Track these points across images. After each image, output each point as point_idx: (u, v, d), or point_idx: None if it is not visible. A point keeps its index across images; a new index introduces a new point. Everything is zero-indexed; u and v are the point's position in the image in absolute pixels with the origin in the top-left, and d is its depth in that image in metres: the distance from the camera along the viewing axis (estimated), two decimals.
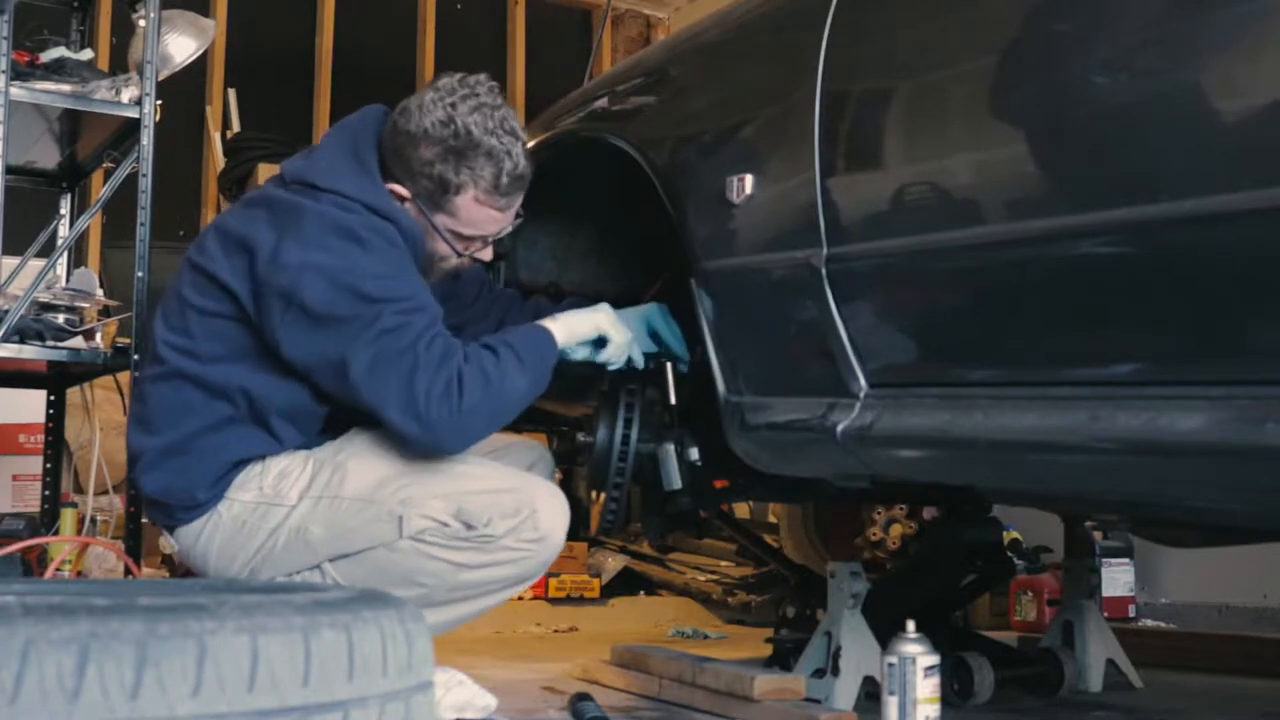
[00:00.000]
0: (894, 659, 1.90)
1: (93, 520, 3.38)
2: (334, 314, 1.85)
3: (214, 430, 1.95)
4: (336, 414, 2.01)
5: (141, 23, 2.85)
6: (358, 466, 1.94)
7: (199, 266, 1.97)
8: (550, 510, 1.93)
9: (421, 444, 1.90)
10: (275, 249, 1.87)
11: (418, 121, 1.95)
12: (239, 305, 1.93)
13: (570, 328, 2.07)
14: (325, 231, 1.88)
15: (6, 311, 2.63)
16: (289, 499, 1.95)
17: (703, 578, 4.29)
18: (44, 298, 2.77)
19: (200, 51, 3.20)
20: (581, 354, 2.10)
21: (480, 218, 2.01)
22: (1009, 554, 2.91)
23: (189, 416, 1.95)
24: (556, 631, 3.88)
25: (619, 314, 2.14)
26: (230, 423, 1.95)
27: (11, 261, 3.03)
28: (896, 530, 3.71)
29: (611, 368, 2.16)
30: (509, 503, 1.90)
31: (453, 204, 1.99)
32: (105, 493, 3.56)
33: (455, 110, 1.95)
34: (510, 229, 2.10)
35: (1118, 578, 3.54)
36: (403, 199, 1.99)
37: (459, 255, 2.06)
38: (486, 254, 2.11)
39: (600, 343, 2.11)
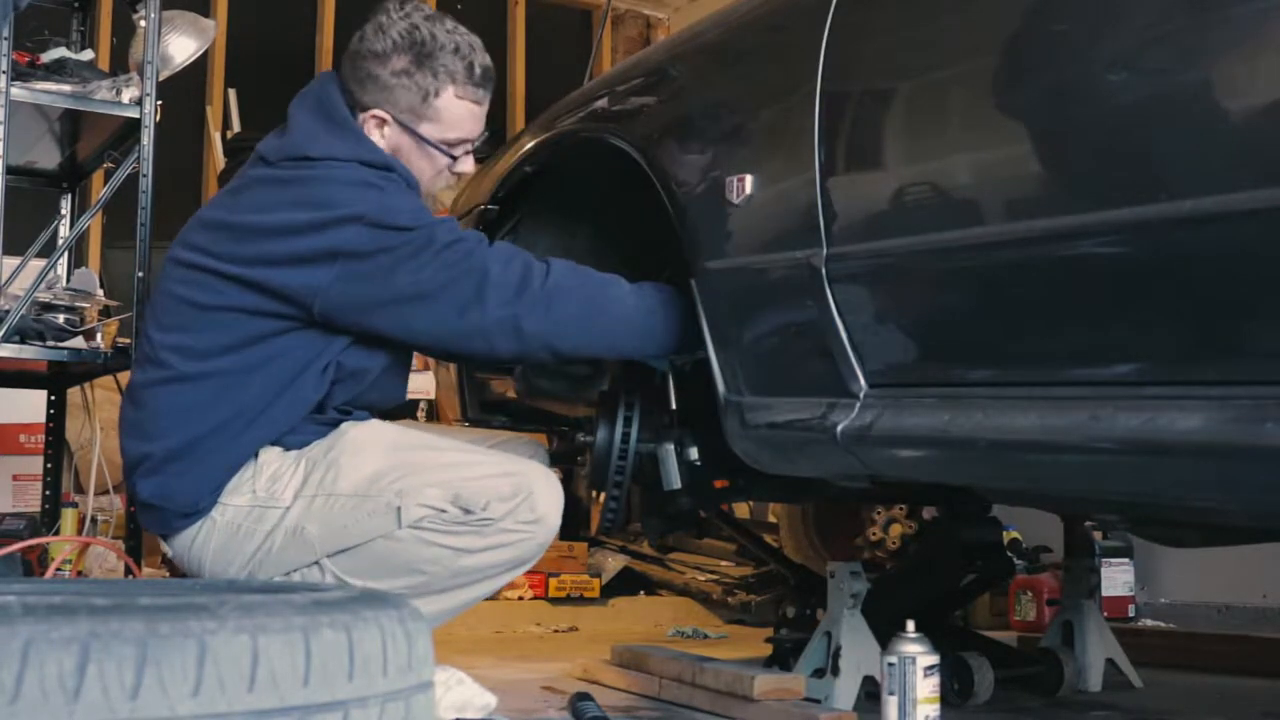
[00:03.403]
0: (894, 659, 1.90)
1: (93, 520, 3.37)
2: (384, 248, 1.90)
3: (218, 433, 1.94)
4: (332, 397, 2.01)
5: (142, 23, 2.85)
6: (350, 463, 1.94)
7: (190, 263, 1.97)
8: (546, 492, 1.93)
9: (497, 321, 1.92)
10: (297, 219, 1.90)
11: (382, 40, 2.03)
12: (248, 291, 1.92)
13: None
14: (341, 188, 1.93)
15: (7, 311, 2.63)
16: (283, 500, 1.94)
17: (703, 578, 4.29)
18: (44, 298, 2.77)
19: (200, 52, 3.20)
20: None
21: (462, 113, 2.06)
22: (1009, 554, 2.91)
23: (193, 419, 1.95)
24: (556, 631, 3.88)
25: None
26: (235, 421, 1.95)
27: (12, 262, 3.03)
28: (896, 530, 3.72)
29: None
30: (505, 486, 1.90)
31: (434, 107, 2.04)
32: (106, 492, 3.56)
33: (413, 19, 2.03)
34: (481, 142, 2.14)
35: (1117, 578, 3.53)
36: (383, 121, 2.04)
37: (451, 159, 2.09)
38: (468, 164, 2.14)
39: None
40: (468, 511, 1.88)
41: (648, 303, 2.05)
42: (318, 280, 1.90)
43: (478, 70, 2.06)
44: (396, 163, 2.03)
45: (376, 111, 2.04)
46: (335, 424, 2.02)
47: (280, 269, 1.90)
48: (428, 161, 2.08)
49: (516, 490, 1.90)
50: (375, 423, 2.06)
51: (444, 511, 1.88)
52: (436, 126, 2.05)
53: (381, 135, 2.05)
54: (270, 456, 1.98)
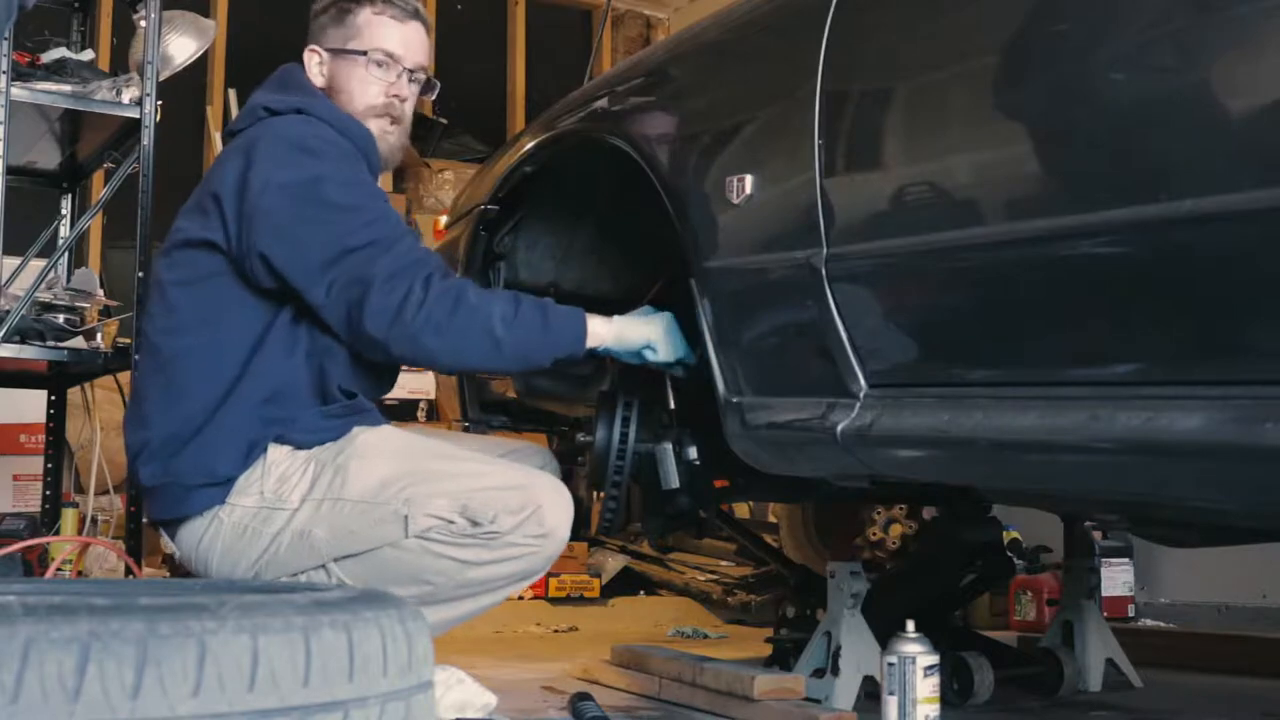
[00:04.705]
0: (894, 659, 1.90)
1: (93, 520, 3.38)
2: (301, 227, 1.94)
3: (207, 408, 1.95)
4: (326, 377, 2.02)
5: (142, 23, 2.86)
6: (359, 468, 1.94)
7: (171, 246, 2.05)
8: (555, 505, 1.92)
9: (369, 340, 1.95)
10: (241, 180, 1.97)
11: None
12: (214, 252, 1.98)
13: (621, 333, 2.10)
14: (281, 149, 1.99)
15: (8, 312, 2.63)
16: (290, 502, 1.94)
17: (703, 578, 4.30)
18: (45, 298, 2.78)
19: (201, 52, 3.21)
20: (629, 359, 2.15)
21: (383, 29, 2.15)
22: (1009, 554, 2.91)
23: (184, 400, 1.96)
24: (556, 631, 3.88)
25: (636, 318, 2.15)
26: (218, 392, 1.96)
27: (12, 262, 3.04)
28: (896, 530, 3.72)
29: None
30: (514, 499, 1.89)
31: (354, 26, 2.15)
32: (106, 492, 3.57)
33: None
34: (421, 78, 2.20)
35: (1117, 578, 3.54)
36: (319, 58, 2.15)
37: (378, 67, 2.14)
38: (404, 86, 2.17)
39: (650, 350, 2.13)
40: (475, 523, 1.87)
41: (520, 331, 2.00)
42: (248, 242, 1.95)
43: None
44: (348, 121, 2.09)
45: (311, 47, 2.17)
46: (343, 416, 2.02)
47: (228, 229, 1.96)
48: (359, 80, 2.14)
49: (525, 503, 1.89)
50: (386, 428, 2.07)
51: (452, 523, 1.88)
52: (359, 40, 2.15)
53: (321, 73, 2.15)
54: (279, 456, 1.97)
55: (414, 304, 1.92)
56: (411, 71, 2.18)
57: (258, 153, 1.98)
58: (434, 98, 2.27)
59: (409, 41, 2.18)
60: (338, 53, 2.15)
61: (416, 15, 2.20)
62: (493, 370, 2.13)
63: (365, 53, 2.13)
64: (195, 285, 2.00)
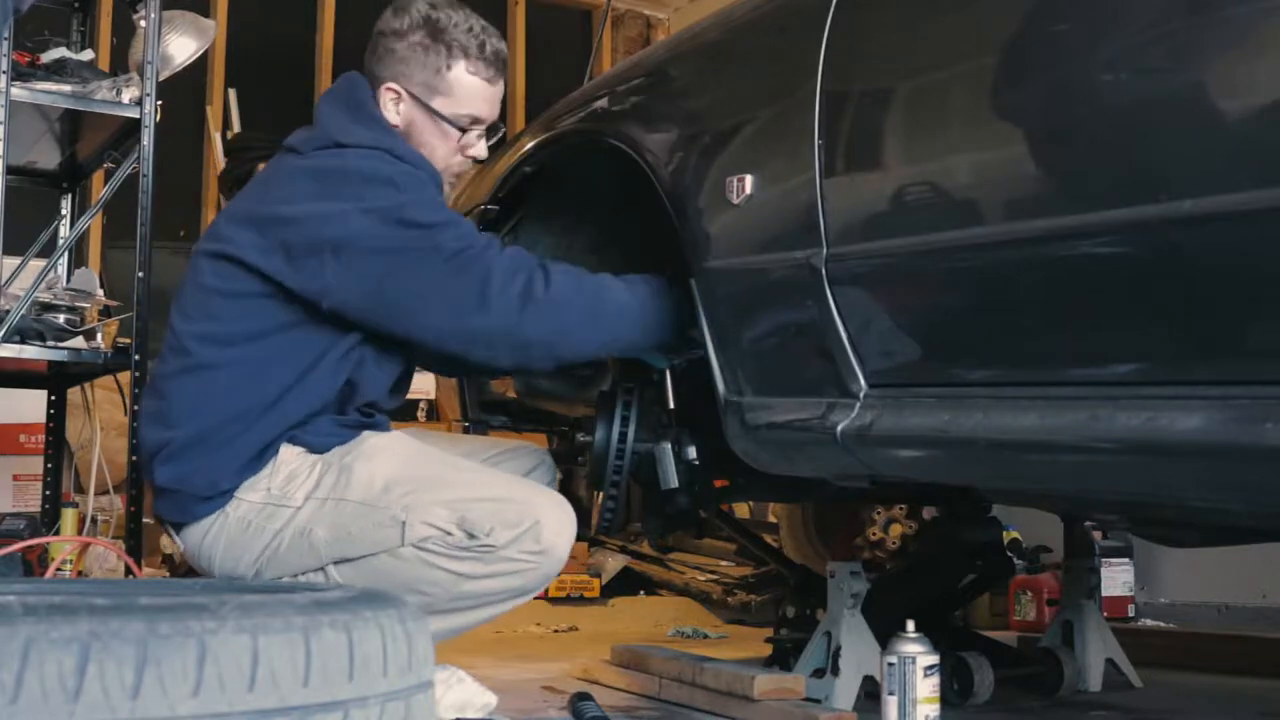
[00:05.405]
0: (894, 659, 1.90)
1: (93, 520, 3.37)
2: (393, 248, 1.91)
3: (236, 420, 1.95)
4: (354, 395, 2.03)
5: (142, 23, 2.86)
6: (364, 470, 1.94)
7: (216, 254, 1.99)
8: (554, 523, 1.91)
9: (502, 331, 1.94)
10: (316, 209, 1.93)
11: (400, 19, 2.10)
12: (269, 282, 1.94)
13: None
14: (361, 182, 1.96)
15: (7, 312, 2.64)
16: (295, 500, 1.94)
17: (703, 578, 4.29)
18: (45, 298, 2.78)
19: (200, 52, 3.21)
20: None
21: (474, 89, 2.11)
22: (1009, 554, 2.91)
23: (213, 406, 1.95)
24: (556, 631, 3.88)
25: None
26: (254, 408, 1.95)
27: (12, 262, 3.04)
28: (896, 530, 3.72)
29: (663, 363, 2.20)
30: (512, 513, 1.89)
31: (446, 80, 2.09)
32: (106, 492, 3.56)
33: (433, 4, 2.11)
34: (496, 136, 2.20)
35: (1117, 577, 3.54)
36: (398, 97, 2.09)
37: (460, 133, 2.12)
38: (481, 147, 2.17)
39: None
40: (471, 536, 1.87)
41: (639, 299, 2.06)
42: (326, 277, 1.91)
43: (489, 49, 2.11)
44: (422, 160, 2.06)
45: (391, 84, 2.09)
46: (357, 427, 2.03)
47: (294, 261, 1.92)
48: (440, 138, 2.11)
49: (522, 518, 1.88)
50: (395, 434, 2.07)
51: (449, 534, 1.87)
52: (448, 101, 2.10)
53: (396, 111, 2.10)
54: (290, 455, 1.98)
55: (540, 283, 1.94)
56: (490, 128, 2.17)
57: (335, 183, 1.95)
58: (494, 141, 2.24)
59: (494, 102, 2.16)
60: (422, 105, 2.09)
61: (504, 70, 2.17)
62: (617, 351, 2.13)
63: (452, 120, 2.10)
64: (242, 300, 1.97)
